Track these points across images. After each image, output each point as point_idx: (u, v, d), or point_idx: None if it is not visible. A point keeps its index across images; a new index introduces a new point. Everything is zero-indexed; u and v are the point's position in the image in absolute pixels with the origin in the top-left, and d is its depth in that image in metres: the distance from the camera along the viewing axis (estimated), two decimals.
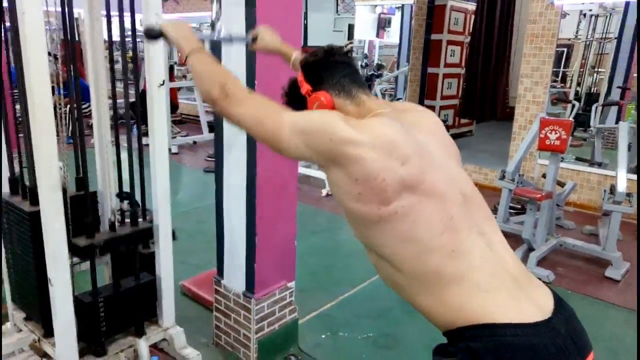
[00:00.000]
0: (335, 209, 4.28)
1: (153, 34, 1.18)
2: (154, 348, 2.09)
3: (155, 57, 1.75)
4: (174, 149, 6.42)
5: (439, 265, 0.88)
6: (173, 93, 7.02)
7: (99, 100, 1.94)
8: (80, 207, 1.72)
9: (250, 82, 1.83)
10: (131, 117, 2.01)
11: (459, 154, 1.08)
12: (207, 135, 6.67)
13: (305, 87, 1.05)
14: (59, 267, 1.61)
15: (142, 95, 1.88)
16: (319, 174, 4.75)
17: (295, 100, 1.07)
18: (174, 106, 7.10)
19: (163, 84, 1.79)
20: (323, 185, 4.69)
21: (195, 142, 6.80)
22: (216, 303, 2.23)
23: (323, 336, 2.40)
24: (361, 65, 6.73)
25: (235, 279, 2.11)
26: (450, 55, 6.74)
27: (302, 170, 4.97)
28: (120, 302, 1.86)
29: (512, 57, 6.16)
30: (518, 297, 0.89)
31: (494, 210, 3.96)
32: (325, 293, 2.77)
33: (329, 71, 1.04)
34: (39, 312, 1.75)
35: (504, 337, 0.83)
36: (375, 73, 6.64)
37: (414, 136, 0.95)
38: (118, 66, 2.15)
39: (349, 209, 0.92)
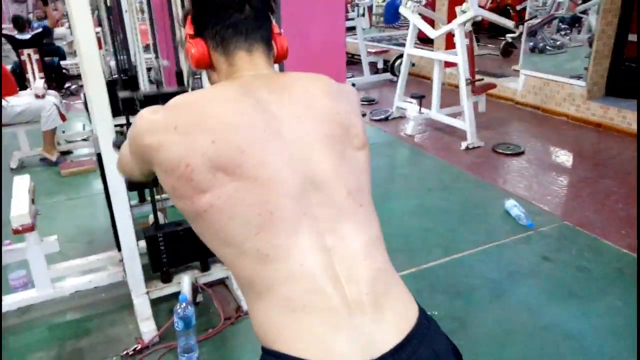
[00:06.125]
0: (468, 166, 3.84)
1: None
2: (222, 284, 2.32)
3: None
4: None
5: (252, 273, 0.72)
6: None
7: None
8: None
9: None
10: None
11: (358, 133, 0.82)
12: None
13: (187, 30, 0.87)
14: (121, 205, 1.90)
15: None
16: (463, 125, 4.28)
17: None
18: None
19: None
20: (465, 137, 4.22)
21: None
22: None
23: None
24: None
25: None
26: None
27: (446, 120, 4.56)
28: (181, 239, 2.09)
29: None
30: (338, 327, 0.68)
31: None
32: (405, 258, 2.56)
33: (215, 16, 0.84)
34: (116, 242, 2.10)
35: None
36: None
37: (258, 104, 0.77)
38: None
39: (179, 209, 0.80)
